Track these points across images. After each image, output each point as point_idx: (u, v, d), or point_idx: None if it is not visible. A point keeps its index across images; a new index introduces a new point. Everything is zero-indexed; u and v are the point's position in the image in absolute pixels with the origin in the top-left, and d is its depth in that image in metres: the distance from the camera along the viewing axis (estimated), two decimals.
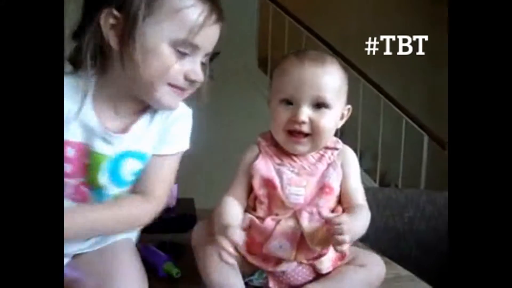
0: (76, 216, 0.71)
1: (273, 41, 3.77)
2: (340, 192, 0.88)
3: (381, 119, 3.52)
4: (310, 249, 0.83)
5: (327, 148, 0.91)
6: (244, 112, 3.75)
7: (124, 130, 0.79)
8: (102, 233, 0.80)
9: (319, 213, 0.84)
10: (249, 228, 0.86)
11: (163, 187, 0.83)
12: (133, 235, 0.92)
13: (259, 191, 0.87)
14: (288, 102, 0.86)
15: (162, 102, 0.77)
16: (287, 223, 0.84)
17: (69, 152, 0.75)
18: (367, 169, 3.61)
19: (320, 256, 0.85)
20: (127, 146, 0.78)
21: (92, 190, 0.78)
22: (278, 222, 0.84)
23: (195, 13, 0.70)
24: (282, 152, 0.90)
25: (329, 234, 0.75)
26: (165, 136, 0.82)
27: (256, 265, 0.86)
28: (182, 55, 0.73)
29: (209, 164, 3.73)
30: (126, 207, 0.78)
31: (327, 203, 0.86)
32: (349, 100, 0.93)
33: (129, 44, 0.69)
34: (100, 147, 0.76)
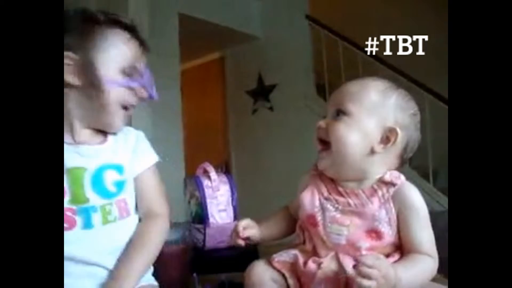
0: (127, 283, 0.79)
1: (329, 66, 3.72)
2: (400, 239, 0.79)
3: None
4: None
5: (382, 182, 0.80)
6: (305, 140, 3.68)
7: (100, 143, 0.88)
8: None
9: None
10: (294, 265, 0.82)
11: (162, 201, 0.92)
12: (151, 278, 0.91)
13: (304, 223, 0.85)
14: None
15: (114, 124, 0.87)
16: (329, 267, 0.77)
17: None
18: (443, 189, 3.35)
19: None
20: (105, 158, 0.86)
21: (78, 211, 0.81)
22: (319, 265, 0.78)
23: (135, 44, 0.88)
24: (331, 184, 0.85)
25: (355, 276, 0.67)
26: (137, 153, 0.91)
27: None
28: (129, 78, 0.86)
29: (271, 196, 3.67)
30: (149, 241, 0.86)
31: (375, 249, 0.77)
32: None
33: (88, 78, 0.83)
34: (75, 162, 0.82)
